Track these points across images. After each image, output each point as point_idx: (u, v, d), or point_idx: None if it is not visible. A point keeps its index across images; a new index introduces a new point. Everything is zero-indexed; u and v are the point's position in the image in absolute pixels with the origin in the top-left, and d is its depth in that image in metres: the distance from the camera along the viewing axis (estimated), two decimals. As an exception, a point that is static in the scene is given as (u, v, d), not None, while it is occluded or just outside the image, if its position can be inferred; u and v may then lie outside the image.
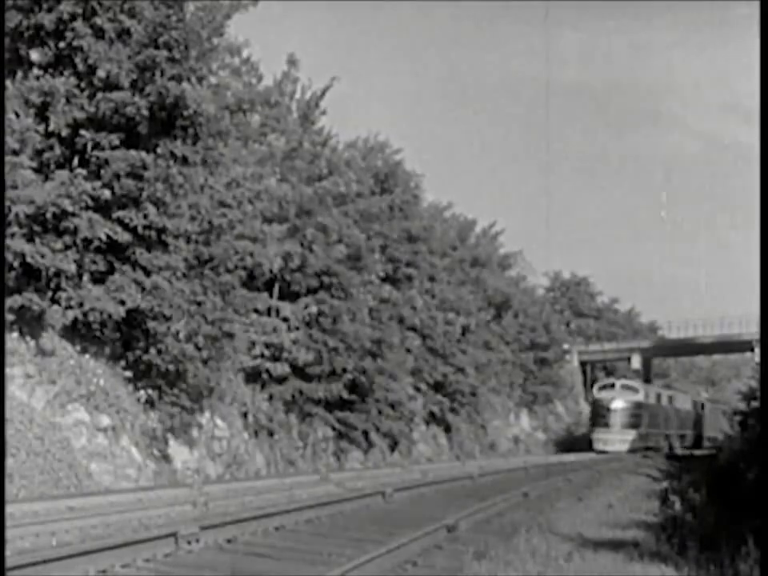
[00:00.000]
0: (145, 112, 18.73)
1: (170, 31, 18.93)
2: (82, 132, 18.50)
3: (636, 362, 79.49)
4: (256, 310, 25.90)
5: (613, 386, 50.77)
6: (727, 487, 15.55)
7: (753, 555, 9.15)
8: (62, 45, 18.92)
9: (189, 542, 9.64)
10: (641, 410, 49.06)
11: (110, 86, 18.70)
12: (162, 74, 18.92)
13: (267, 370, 26.13)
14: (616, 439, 46.69)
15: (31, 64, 19.21)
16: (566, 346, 70.84)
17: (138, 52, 18.88)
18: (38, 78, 18.58)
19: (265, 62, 32.17)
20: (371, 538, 10.91)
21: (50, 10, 18.62)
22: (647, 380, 77.04)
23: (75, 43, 18.64)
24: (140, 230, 18.74)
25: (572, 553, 9.91)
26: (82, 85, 18.95)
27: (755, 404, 17.08)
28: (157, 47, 18.89)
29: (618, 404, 48.26)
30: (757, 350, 60.05)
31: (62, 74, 19.07)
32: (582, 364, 65.00)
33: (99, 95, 18.56)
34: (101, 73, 18.57)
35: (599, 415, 48.28)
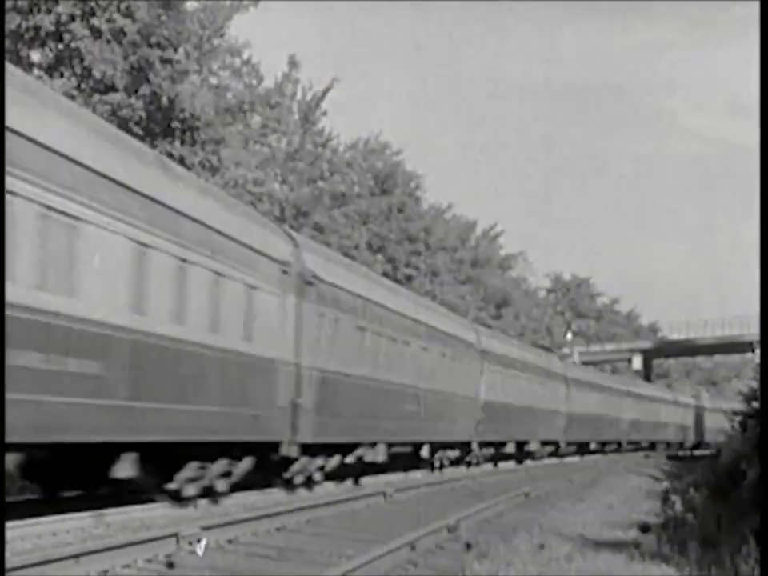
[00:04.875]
0: (141, 113, 18.77)
1: (162, 30, 18.99)
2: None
3: (637, 363, 79.57)
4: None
5: None
6: (728, 487, 15.54)
7: (754, 555, 9.14)
8: (60, 46, 18.99)
9: (190, 543, 9.63)
10: None
11: (106, 87, 18.77)
12: (156, 75, 18.98)
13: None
14: None
15: (31, 65, 19.25)
16: (566, 350, 70.88)
17: (134, 52, 18.94)
18: (38, 78, 18.62)
19: (266, 62, 32.27)
20: (372, 538, 10.91)
21: (48, 12, 18.68)
22: (647, 379, 76.86)
23: (73, 45, 18.70)
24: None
25: (573, 553, 9.90)
26: (83, 86, 19.01)
27: (756, 404, 17.09)
28: (149, 46, 18.95)
29: None
30: (757, 351, 60.08)
31: (62, 75, 19.10)
32: (584, 365, 64.90)
33: (96, 97, 18.62)
34: (96, 74, 18.63)
35: None
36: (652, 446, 57.81)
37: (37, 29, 18.89)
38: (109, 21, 18.76)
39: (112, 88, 18.65)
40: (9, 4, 18.55)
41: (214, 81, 24.07)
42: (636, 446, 53.94)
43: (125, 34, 18.86)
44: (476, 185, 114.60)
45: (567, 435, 39.19)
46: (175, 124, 19.69)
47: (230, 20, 23.12)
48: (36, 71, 19.61)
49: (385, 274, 36.10)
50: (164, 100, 18.89)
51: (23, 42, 19.33)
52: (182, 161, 19.62)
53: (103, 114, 18.50)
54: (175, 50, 19.28)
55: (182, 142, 19.94)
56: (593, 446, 45.26)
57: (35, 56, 19.96)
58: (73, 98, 18.51)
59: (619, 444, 50.58)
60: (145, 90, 18.79)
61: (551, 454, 37.74)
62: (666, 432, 59.86)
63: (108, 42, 18.77)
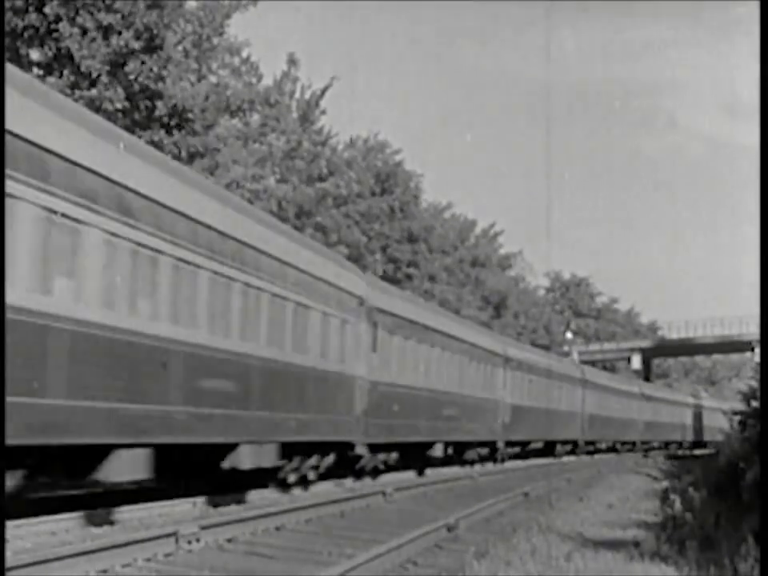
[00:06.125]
0: (119, 105, 18.82)
1: (145, 18, 19.03)
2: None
3: (636, 362, 79.59)
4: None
5: None
6: (727, 487, 15.55)
7: (753, 555, 9.14)
8: (54, 44, 19.06)
9: (189, 542, 9.63)
10: None
11: (92, 82, 18.82)
12: (134, 61, 19.00)
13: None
14: None
15: (31, 63, 19.25)
16: (565, 348, 70.91)
17: (108, 37, 18.99)
18: (38, 77, 18.63)
19: (264, 61, 32.25)
20: (371, 537, 10.91)
21: (38, 11, 18.75)
22: (647, 379, 76.80)
23: (62, 44, 18.76)
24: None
25: (572, 552, 9.90)
26: (75, 80, 19.05)
27: (755, 404, 17.10)
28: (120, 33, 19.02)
29: None
30: (757, 350, 60.08)
31: (61, 74, 19.11)
32: (582, 364, 64.91)
33: (78, 92, 18.68)
34: (83, 68, 18.67)
35: None
36: (549, 447, 38.18)
37: (36, 28, 18.91)
38: (91, 15, 18.72)
39: (94, 82, 18.72)
40: (7, 4, 18.54)
41: (213, 79, 24.03)
42: (523, 449, 34.48)
43: (105, 28, 18.82)
44: (476, 184, 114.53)
45: (367, 433, 19.32)
46: (159, 111, 19.60)
47: (229, 19, 23.12)
48: (35, 69, 19.61)
49: (384, 273, 36.09)
50: (136, 86, 18.93)
51: (22, 40, 19.33)
52: (159, 146, 19.54)
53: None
54: (154, 38, 19.17)
55: (169, 131, 19.93)
56: (437, 451, 25.03)
57: (34, 54, 19.95)
58: (67, 95, 18.52)
59: (493, 446, 31.01)
60: (122, 77, 18.86)
61: (336, 473, 18.75)
62: (566, 427, 40.17)
63: (85, 34, 18.76)
